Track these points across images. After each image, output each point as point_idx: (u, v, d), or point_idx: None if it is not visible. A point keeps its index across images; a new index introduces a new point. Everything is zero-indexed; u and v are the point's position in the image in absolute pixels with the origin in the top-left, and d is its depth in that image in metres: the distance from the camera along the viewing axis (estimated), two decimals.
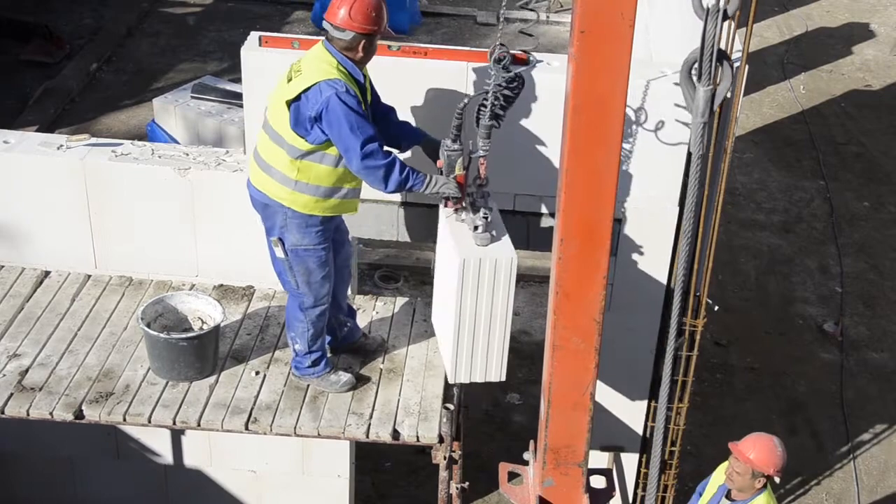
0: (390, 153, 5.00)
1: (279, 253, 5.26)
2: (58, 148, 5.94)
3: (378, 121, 5.14)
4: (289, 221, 5.17)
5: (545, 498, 5.21)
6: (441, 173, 5.11)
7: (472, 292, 5.02)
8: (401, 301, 6.16)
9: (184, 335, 5.43)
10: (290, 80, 5.03)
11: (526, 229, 5.93)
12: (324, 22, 5.04)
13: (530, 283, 9.00)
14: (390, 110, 5.30)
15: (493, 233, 5.08)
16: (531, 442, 5.47)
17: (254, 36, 5.65)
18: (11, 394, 5.37)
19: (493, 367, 5.25)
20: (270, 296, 6.06)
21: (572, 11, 4.10)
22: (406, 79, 5.57)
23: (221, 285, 6.13)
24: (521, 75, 4.99)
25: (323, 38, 5.09)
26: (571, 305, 4.64)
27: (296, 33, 5.18)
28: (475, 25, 13.23)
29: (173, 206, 5.93)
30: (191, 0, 13.51)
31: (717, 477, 5.51)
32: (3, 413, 5.32)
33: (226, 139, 8.21)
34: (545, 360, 4.97)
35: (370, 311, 6.08)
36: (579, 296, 4.61)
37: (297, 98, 4.95)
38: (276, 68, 5.23)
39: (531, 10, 12.98)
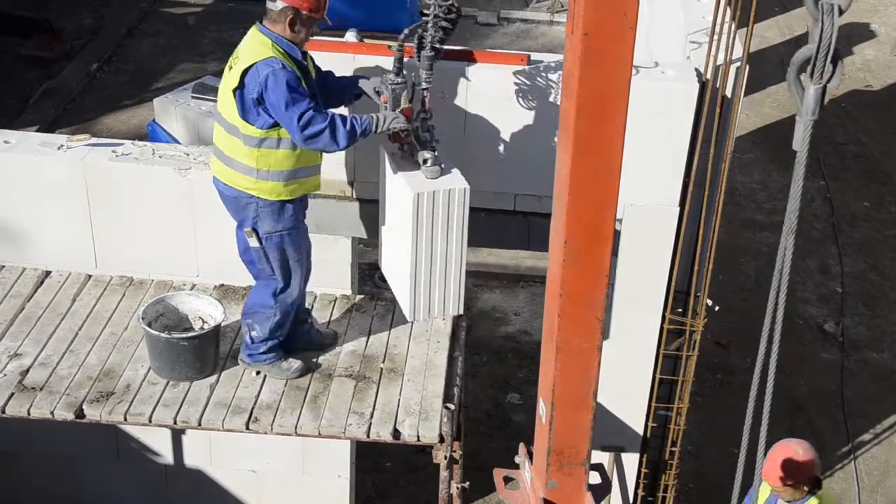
0: (328, 113, 4.99)
1: (253, 243, 5.28)
2: (58, 148, 5.94)
3: (321, 90, 5.17)
4: (261, 211, 5.20)
5: (549, 499, 5.20)
6: (385, 109, 5.11)
7: (427, 227, 5.06)
8: None
9: (184, 335, 5.43)
10: (230, 68, 5.07)
11: (526, 229, 5.93)
12: None
13: (530, 283, 8.99)
14: (328, 74, 5.32)
15: (443, 165, 5.10)
16: (521, 446, 5.44)
17: None
18: (12, 393, 5.37)
19: (450, 302, 5.32)
20: None
21: (570, 13, 4.07)
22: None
23: (222, 285, 6.13)
24: (458, 5, 4.98)
25: (257, 22, 5.12)
26: (575, 307, 4.63)
27: None
28: (475, 25, 13.23)
29: (174, 206, 5.93)
30: (191, 0, 13.51)
31: (766, 486, 5.42)
32: (3, 413, 5.32)
33: None
34: (546, 364, 4.93)
35: (370, 310, 6.08)
36: (583, 297, 4.61)
37: (241, 85, 4.97)
38: None
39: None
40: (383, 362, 5.74)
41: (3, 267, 6.17)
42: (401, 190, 5.10)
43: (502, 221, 5.94)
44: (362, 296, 6.24)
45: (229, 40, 12.16)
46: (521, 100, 5.56)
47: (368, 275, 9.04)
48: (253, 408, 5.39)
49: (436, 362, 5.72)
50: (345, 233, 5.96)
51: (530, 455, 5.34)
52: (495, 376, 8.25)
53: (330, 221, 5.86)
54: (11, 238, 6.09)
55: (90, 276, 6.15)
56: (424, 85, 5.07)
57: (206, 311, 5.63)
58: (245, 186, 5.16)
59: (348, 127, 4.97)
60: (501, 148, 5.70)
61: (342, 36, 5.66)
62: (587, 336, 4.72)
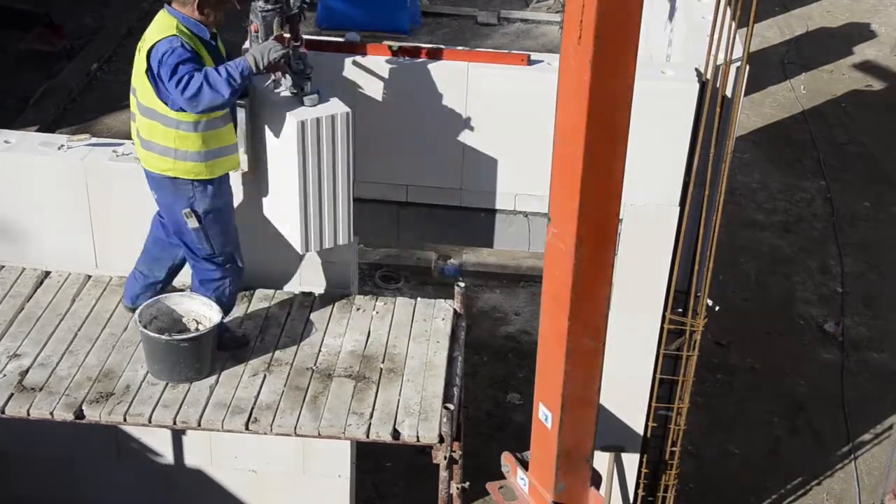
0: (203, 69, 5.00)
1: (192, 224, 5.31)
2: (58, 148, 5.93)
3: None
4: (196, 192, 5.24)
5: (557, 502, 5.19)
6: (257, 40, 5.08)
7: (313, 155, 5.05)
8: (401, 301, 6.16)
9: (184, 336, 5.42)
10: (140, 52, 5.12)
11: (526, 229, 5.93)
12: None
13: (530, 283, 9.00)
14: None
15: (320, 92, 5.07)
16: (505, 454, 5.40)
17: None
18: (12, 394, 5.37)
19: (340, 231, 5.33)
20: (270, 296, 6.06)
21: (571, 20, 4.04)
22: (406, 79, 5.57)
23: None
24: None
25: (166, 4, 5.12)
26: (584, 307, 4.63)
27: None
28: (475, 25, 13.24)
29: None
30: None
31: None
32: (3, 413, 5.32)
33: None
34: (550, 369, 4.87)
35: (370, 310, 6.08)
36: (591, 296, 4.60)
37: (149, 66, 5.02)
38: None
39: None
40: (383, 362, 5.73)
41: (3, 267, 6.17)
42: (281, 121, 5.07)
43: (502, 221, 5.95)
44: (362, 296, 6.23)
45: (229, 40, 12.13)
46: (520, 100, 5.55)
47: (368, 275, 9.06)
48: (252, 408, 5.39)
49: (435, 362, 5.72)
50: None
51: (521, 462, 5.31)
52: (495, 376, 8.25)
53: None
54: (11, 238, 6.08)
55: (90, 277, 6.15)
56: (295, 10, 5.02)
57: (200, 313, 5.61)
58: (163, 168, 5.19)
59: (224, 75, 4.97)
60: (501, 148, 5.70)
61: (342, 36, 5.66)
62: (596, 335, 4.73)
